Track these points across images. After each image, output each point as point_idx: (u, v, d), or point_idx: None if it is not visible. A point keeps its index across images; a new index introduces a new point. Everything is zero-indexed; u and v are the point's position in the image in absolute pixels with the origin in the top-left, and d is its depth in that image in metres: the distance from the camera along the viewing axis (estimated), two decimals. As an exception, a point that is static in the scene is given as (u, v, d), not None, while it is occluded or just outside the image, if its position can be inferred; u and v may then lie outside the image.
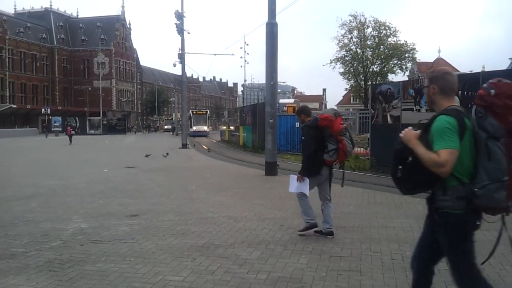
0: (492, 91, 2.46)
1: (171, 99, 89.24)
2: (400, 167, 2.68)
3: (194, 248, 5.06)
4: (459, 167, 2.52)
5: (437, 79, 2.72)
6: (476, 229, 2.66)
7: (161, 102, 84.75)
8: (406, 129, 2.69)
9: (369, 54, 44.80)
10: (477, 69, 37.96)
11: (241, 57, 57.40)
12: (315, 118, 5.49)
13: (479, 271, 2.73)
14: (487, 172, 2.43)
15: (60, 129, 53.01)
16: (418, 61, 50.06)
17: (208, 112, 63.18)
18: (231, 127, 35.02)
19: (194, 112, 58.24)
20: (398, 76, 44.94)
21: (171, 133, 62.63)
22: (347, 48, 44.55)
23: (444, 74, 2.74)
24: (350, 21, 43.73)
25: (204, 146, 31.57)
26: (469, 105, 10.83)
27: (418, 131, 2.64)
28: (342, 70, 45.62)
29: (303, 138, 5.67)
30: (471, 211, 2.55)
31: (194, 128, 53.81)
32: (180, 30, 28.83)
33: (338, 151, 5.27)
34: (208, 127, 57.99)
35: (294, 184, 5.61)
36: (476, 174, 2.49)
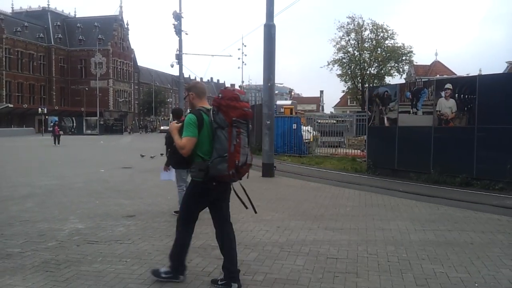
0: (220, 95, 3.68)
1: (168, 100, 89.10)
2: (169, 149, 3.95)
3: (191, 249, 5.02)
4: (202, 148, 3.71)
5: (193, 87, 4.00)
6: (213, 192, 3.79)
7: (158, 103, 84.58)
8: (171, 122, 3.98)
9: (367, 56, 44.94)
10: (474, 72, 38.11)
11: (238, 58, 57.57)
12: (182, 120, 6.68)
13: (193, 220, 3.99)
14: (216, 151, 3.63)
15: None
16: (415, 63, 50.23)
17: None
18: None
19: None
20: (395, 79, 45.10)
21: None
22: (344, 50, 44.68)
23: (196, 83, 4.15)
24: (348, 23, 43.91)
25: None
26: (465, 108, 10.83)
27: (180, 124, 3.84)
28: (339, 72, 45.75)
29: (167, 136, 7.16)
30: (210, 179, 3.67)
31: None
32: (178, 30, 28.86)
33: None
34: None
35: (164, 174, 6.77)
36: (211, 153, 3.65)
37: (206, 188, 3.73)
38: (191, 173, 3.83)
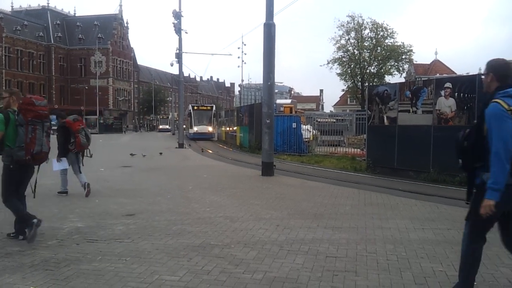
0: (21, 101, 5.12)
1: (168, 99, 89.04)
2: None
3: (190, 248, 5.07)
4: (9, 140, 4.99)
5: (13, 93, 5.37)
6: (19, 172, 5.16)
7: (158, 102, 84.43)
8: None
9: (366, 55, 45.00)
10: (474, 71, 38.11)
11: (238, 57, 57.20)
12: (64, 121, 8.47)
13: (13, 193, 5.24)
14: (17, 142, 5.01)
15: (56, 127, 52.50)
16: (415, 62, 50.30)
17: (214, 108, 46.21)
18: (229, 128, 34.77)
19: (196, 108, 45.23)
20: (395, 78, 45.16)
21: (170, 133, 57.69)
22: (344, 49, 44.71)
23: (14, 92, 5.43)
24: (348, 22, 43.94)
25: (200, 147, 31.54)
26: (465, 107, 10.73)
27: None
28: (339, 71, 45.80)
29: (57, 134, 8.51)
30: (15, 162, 5.01)
31: (196, 128, 41.56)
32: (178, 29, 28.85)
33: (75, 143, 8.26)
34: (213, 127, 43.05)
35: (56, 165, 8.14)
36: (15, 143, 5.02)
37: (13, 169, 5.06)
38: (1, 158, 5.10)
